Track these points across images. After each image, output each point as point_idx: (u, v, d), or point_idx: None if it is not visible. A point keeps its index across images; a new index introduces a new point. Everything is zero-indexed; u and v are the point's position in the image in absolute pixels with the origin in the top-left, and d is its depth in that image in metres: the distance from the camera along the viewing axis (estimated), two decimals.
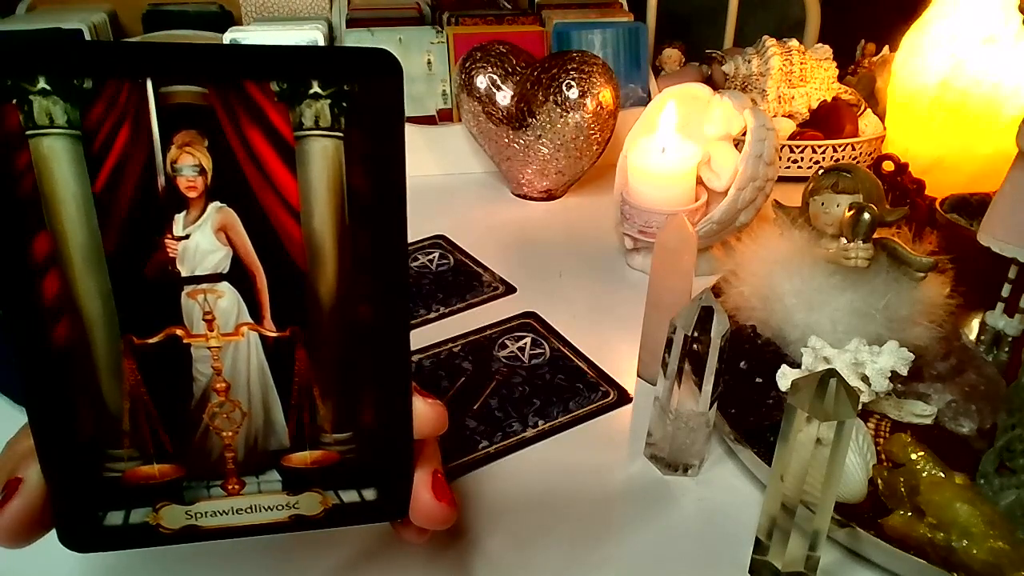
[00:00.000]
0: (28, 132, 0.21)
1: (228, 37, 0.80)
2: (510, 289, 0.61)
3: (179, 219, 0.23)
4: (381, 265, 0.25)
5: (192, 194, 0.23)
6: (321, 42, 0.82)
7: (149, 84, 0.22)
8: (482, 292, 0.61)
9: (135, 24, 0.92)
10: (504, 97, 0.75)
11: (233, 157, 0.23)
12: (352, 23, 0.86)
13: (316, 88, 0.23)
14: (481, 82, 0.75)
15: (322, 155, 0.23)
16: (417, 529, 0.29)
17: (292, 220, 0.24)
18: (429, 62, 0.84)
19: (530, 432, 0.45)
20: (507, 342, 0.54)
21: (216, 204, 0.23)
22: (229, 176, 0.23)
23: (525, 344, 0.54)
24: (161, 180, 0.23)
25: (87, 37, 0.82)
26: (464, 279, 0.63)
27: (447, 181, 0.84)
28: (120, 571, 0.35)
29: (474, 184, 0.84)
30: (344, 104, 0.23)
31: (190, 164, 0.23)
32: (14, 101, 0.21)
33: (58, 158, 0.22)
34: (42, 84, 0.21)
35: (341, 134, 0.23)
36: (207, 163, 0.23)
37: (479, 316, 0.57)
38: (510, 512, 0.39)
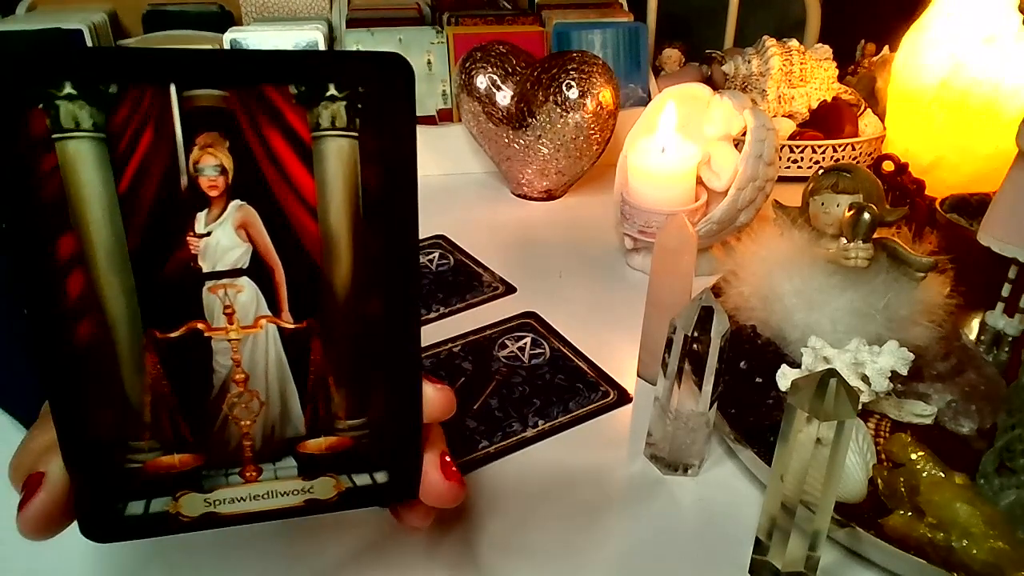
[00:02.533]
0: (55, 136, 0.22)
1: (228, 37, 0.80)
2: (510, 289, 0.61)
3: (201, 217, 0.24)
4: (393, 259, 0.26)
5: (214, 193, 0.24)
6: (321, 42, 0.82)
7: (172, 89, 0.22)
8: (482, 292, 0.61)
9: (135, 24, 0.92)
10: (504, 97, 0.75)
11: (253, 157, 0.24)
12: (352, 23, 0.86)
13: (332, 91, 0.23)
14: (481, 82, 0.75)
15: (338, 154, 0.24)
16: (421, 513, 0.30)
17: (309, 217, 0.25)
18: (429, 62, 0.84)
19: (530, 432, 0.45)
20: (507, 342, 0.54)
21: (237, 202, 0.24)
22: (249, 175, 0.24)
23: (525, 344, 0.54)
24: (184, 180, 0.23)
25: (87, 37, 0.82)
26: (464, 279, 0.63)
27: (447, 181, 0.84)
28: (118, 558, 0.35)
29: (474, 184, 0.84)
30: (359, 105, 0.24)
31: (212, 164, 0.24)
32: (41, 106, 0.22)
33: (84, 160, 0.22)
34: (68, 89, 0.22)
35: (356, 134, 0.24)
36: (228, 163, 0.24)
37: (479, 316, 0.57)
38: (510, 512, 0.39)
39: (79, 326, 0.24)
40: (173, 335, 0.25)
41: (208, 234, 0.24)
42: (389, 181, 0.25)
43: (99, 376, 0.24)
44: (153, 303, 0.24)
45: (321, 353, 0.26)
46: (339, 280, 0.25)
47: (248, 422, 0.27)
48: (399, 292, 0.26)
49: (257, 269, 0.25)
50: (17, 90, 0.21)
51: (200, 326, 0.25)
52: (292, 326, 0.26)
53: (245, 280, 0.25)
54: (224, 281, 0.25)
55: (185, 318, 0.25)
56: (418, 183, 0.25)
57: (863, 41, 1.05)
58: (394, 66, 0.24)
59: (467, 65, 0.76)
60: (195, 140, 0.23)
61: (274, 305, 0.26)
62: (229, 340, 0.26)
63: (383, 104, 0.24)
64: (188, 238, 0.24)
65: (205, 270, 0.25)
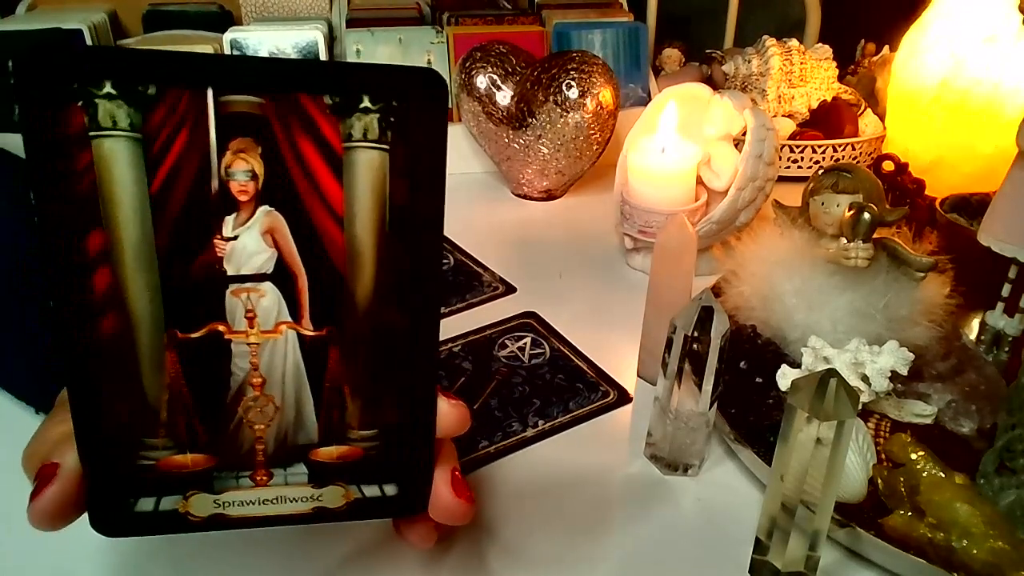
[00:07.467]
0: (91, 133, 0.22)
1: (228, 37, 0.80)
2: (510, 289, 0.61)
3: (229, 221, 0.24)
4: (416, 272, 0.26)
5: (243, 198, 0.24)
6: (321, 42, 0.82)
7: (209, 93, 0.23)
8: (482, 292, 0.61)
9: (135, 24, 0.92)
10: (504, 97, 0.75)
11: (284, 164, 0.24)
12: (352, 23, 0.85)
13: (367, 103, 0.24)
14: (481, 82, 0.75)
15: (368, 166, 0.25)
16: (424, 533, 0.30)
17: (336, 226, 0.25)
18: (429, 62, 0.84)
19: (530, 432, 0.45)
20: (507, 342, 0.54)
21: (265, 208, 0.25)
22: (279, 182, 0.24)
23: (525, 344, 0.54)
24: (215, 184, 0.24)
25: (87, 37, 0.82)
26: (464, 279, 0.63)
27: (447, 181, 0.84)
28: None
29: (474, 184, 0.84)
30: (392, 119, 0.24)
31: (243, 169, 0.24)
32: (80, 103, 0.22)
33: (118, 159, 0.23)
34: (108, 88, 0.22)
35: (387, 146, 0.24)
36: (259, 169, 0.24)
37: (479, 316, 0.57)
38: (509, 512, 0.39)
39: (102, 322, 0.24)
40: (194, 335, 0.25)
41: (235, 238, 0.25)
42: (417, 195, 0.25)
43: (119, 372, 0.25)
44: (176, 303, 0.25)
45: (338, 361, 0.27)
46: (361, 290, 0.26)
47: (262, 426, 0.27)
48: (419, 305, 0.26)
49: (281, 275, 0.25)
50: (58, 86, 0.22)
51: (221, 328, 0.25)
52: (312, 333, 0.26)
53: (268, 285, 0.25)
54: (247, 285, 0.25)
55: (207, 320, 0.25)
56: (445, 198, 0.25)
57: (863, 41, 1.05)
58: (430, 82, 0.24)
59: (467, 65, 0.76)
60: (228, 145, 0.23)
61: (295, 311, 0.26)
62: (249, 344, 0.26)
63: (415, 119, 0.24)
64: (215, 241, 0.25)
65: (229, 273, 0.25)
